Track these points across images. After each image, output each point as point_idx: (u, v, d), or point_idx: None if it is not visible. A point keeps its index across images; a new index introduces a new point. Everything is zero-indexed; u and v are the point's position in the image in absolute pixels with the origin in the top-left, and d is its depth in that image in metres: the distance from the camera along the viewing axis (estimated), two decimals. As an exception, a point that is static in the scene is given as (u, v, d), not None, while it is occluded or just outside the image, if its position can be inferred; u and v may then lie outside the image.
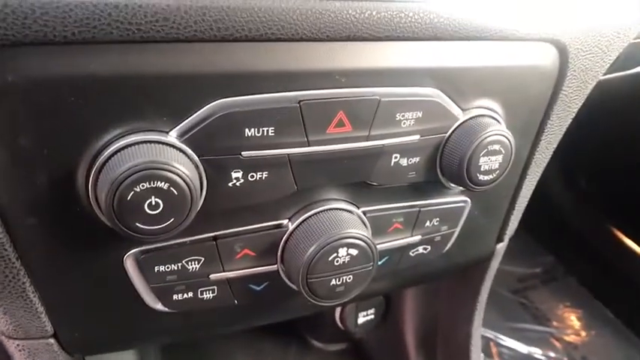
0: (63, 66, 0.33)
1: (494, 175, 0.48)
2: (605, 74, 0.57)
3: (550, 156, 0.60)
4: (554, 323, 1.39)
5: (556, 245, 1.60)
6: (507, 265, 1.51)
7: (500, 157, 0.47)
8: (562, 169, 1.52)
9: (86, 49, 0.33)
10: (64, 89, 0.33)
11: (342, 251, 0.44)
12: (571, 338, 1.35)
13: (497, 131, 0.45)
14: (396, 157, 0.45)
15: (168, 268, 0.43)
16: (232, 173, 0.40)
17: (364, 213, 0.48)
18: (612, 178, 1.44)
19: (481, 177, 0.47)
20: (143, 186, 0.34)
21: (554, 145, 0.59)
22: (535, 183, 0.62)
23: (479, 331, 0.80)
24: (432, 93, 0.44)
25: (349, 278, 0.46)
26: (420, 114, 0.44)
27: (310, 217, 0.45)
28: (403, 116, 0.43)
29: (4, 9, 0.30)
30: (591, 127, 1.08)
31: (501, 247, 0.67)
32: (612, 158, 1.42)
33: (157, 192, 0.35)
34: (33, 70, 0.32)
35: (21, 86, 0.33)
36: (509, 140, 0.46)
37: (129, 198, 0.34)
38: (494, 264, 0.70)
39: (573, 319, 1.41)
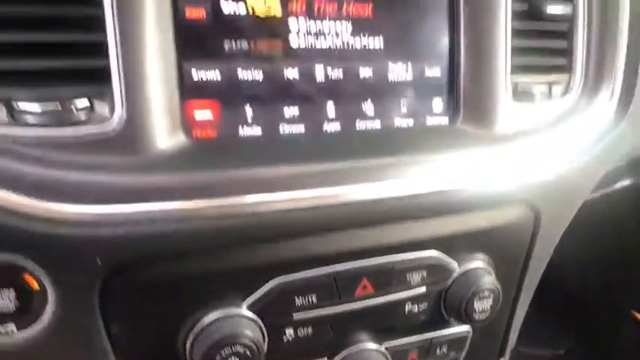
0: (164, 270, 0.47)
1: (489, 313, 0.60)
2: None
3: (537, 282, 0.72)
4: (580, 407, 1.42)
5: (578, 326, 1.64)
6: (530, 348, 1.56)
7: (491, 300, 0.60)
8: (576, 257, 1.58)
9: (180, 257, 0.48)
10: (165, 286, 0.48)
11: (371, 384, 0.57)
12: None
13: (487, 282, 0.59)
14: (408, 306, 0.59)
15: None
16: (286, 330, 0.53)
17: (386, 348, 0.61)
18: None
19: (477, 316, 0.60)
20: (227, 350, 0.48)
21: (540, 273, 0.71)
22: (527, 304, 0.73)
23: None
24: (433, 254, 0.58)
25: None
26: (425, 273, 0.58)
27: (345, 357, 0.58)
28: (412, 275, 0.57)
29: (124, 238, 0.44)
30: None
31: (503, 360, 0.78)
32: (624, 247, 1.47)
33: (236, 353, 0.48)
34: (142, 275, 0.47)
35: (135, 287, 0.47)
36: (497, 288, 0.60)
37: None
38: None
39: (599, 404, 1.43)
